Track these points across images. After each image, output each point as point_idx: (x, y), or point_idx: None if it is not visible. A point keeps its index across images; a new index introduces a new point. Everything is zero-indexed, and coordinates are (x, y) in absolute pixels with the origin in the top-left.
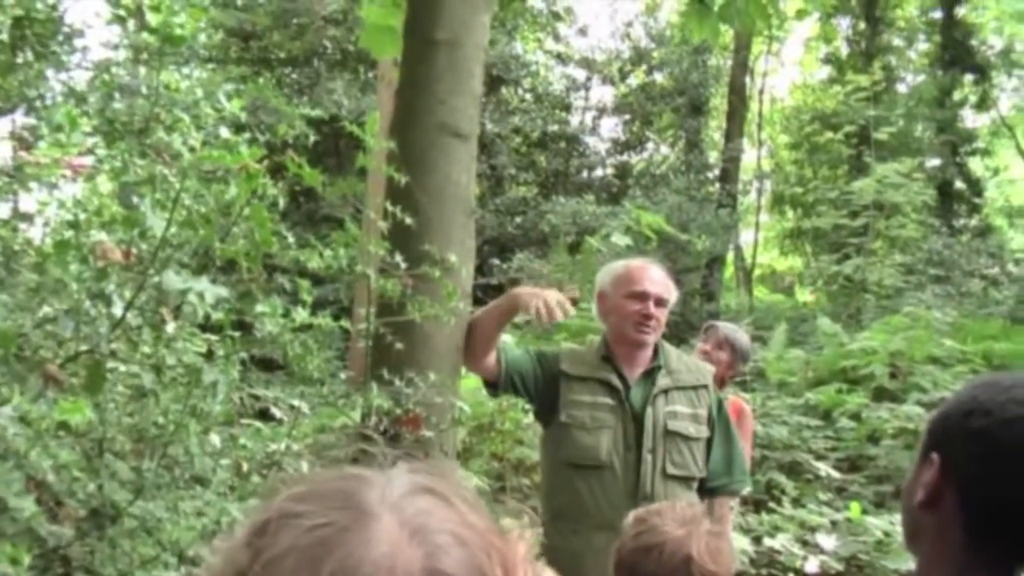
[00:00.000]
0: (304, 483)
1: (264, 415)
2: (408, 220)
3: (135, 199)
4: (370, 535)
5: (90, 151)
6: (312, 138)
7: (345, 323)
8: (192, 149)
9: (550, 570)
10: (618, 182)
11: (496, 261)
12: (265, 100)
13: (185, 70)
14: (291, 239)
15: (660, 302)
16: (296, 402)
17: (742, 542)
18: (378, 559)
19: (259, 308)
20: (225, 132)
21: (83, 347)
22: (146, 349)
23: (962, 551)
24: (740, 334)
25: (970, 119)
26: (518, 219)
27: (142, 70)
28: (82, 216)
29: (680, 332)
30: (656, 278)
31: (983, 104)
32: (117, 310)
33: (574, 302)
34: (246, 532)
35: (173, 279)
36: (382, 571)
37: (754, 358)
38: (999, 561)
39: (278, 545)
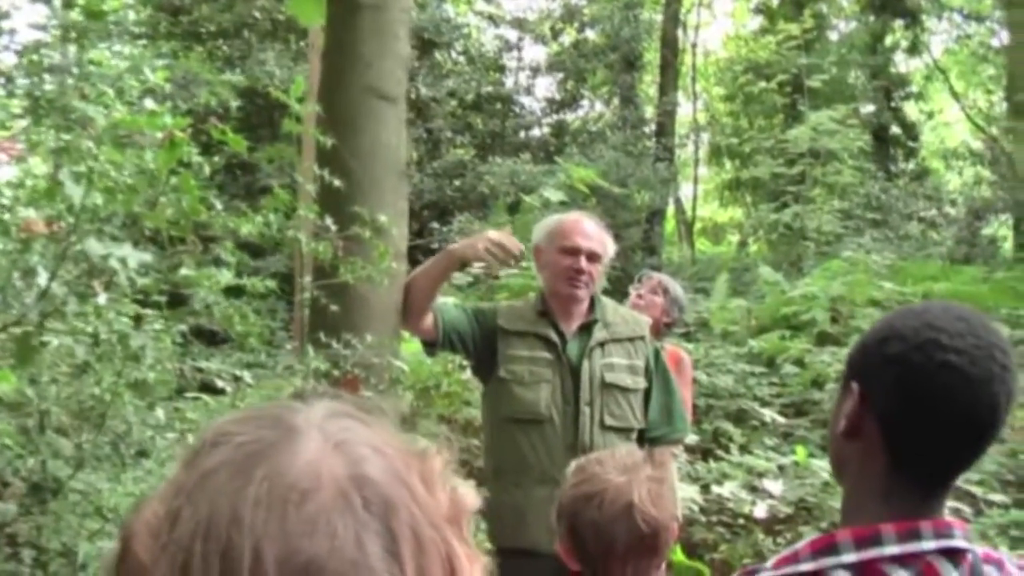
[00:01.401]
0: (236, 413)
1: (210, 389)
2: (337, 183)
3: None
4: (297, 447)
5: (23, 133)
6: (238, 106)
7: (270, 283)
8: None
9: (468, 485)
10: (555, 141)
11: (436, 225)
12: (197, 74)
13: (115, 47)
14: (219, 206)
15: (593, 256)
16: (239, 372)
17: (691, 491)
18: (305, 466)
19: (183, 271)
20: (151, 104)
21: (11, 320)
22: (77, 322)
23: (885, 477)
24: (674, 282)
25: (903, 64)
26: (456, 182)
27: (71, 49)
28: (8, 195)
29: (623, 287)
30: (590, 232)
31: (915, 49)
32: (42, 281)
33: (517, 260)
34: (184, 455)
35: (94, 245)
36: (309, 476)
37: (697, 308)
38: (920, 484)
39: (212, 460)
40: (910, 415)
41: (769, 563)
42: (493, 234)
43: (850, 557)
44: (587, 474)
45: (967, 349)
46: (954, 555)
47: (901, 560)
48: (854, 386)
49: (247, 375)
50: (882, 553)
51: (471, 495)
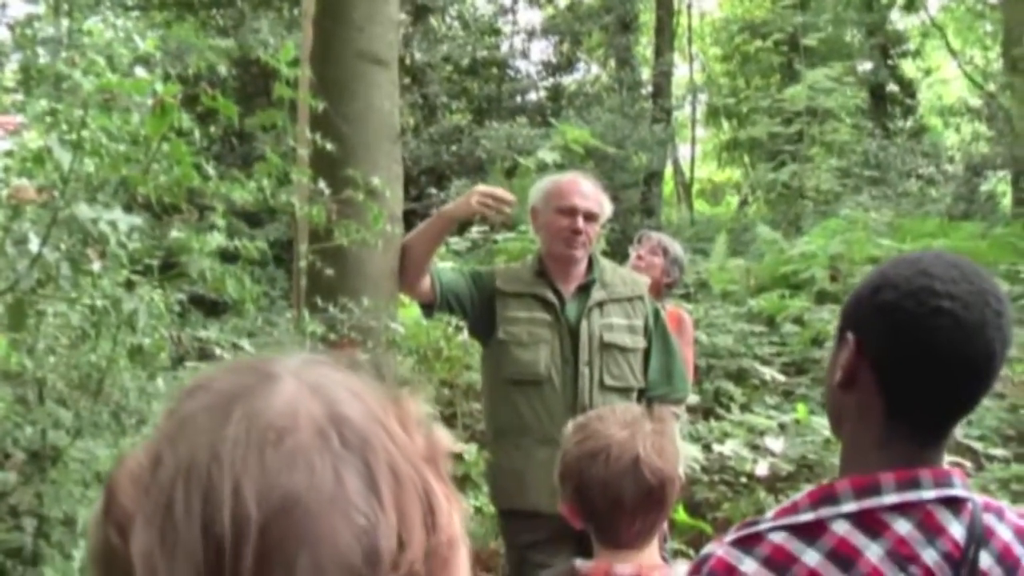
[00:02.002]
0: (215, 366)
1: (210, 358)
2: (330, 147)
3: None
4: (274, 389)
5: (18, 107)
6: (233, 75)
7: (261, 245)
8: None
9: (445, 429)
10: (551, 104)
11: (433, 190)
12: (190, 46)
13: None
14: (212, 171)
15: (590, 216)
16: (238, 340)
17: (692, 450)
18: (282, 406)
19: (174, 233)
20: (142, 72)
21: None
22: (72, 290)
23: (881, 426)
24: (673, 242)
25: (899, 21)
26: (453, 147)
27: (64, 22)
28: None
29: (622, 248)
30: (586, 192)
31: (912, 5)
32: (34, 247)
33: (511, 207)
34: (168, 405)
35: (84, 209)
36: (287, 416)
37: (696, 269)
38: (917, 432)
39: (191, 406)
40: (904, 362)
41: (769, 514)
42: (483, 188)
43: (850, 506)
44: (589, 431)
45: (960, 295)
46: (954, 504)
47: (901, 509)
48: (849, 336)
49: (246, 343)
50: (882, 502)
51: (447, 436)
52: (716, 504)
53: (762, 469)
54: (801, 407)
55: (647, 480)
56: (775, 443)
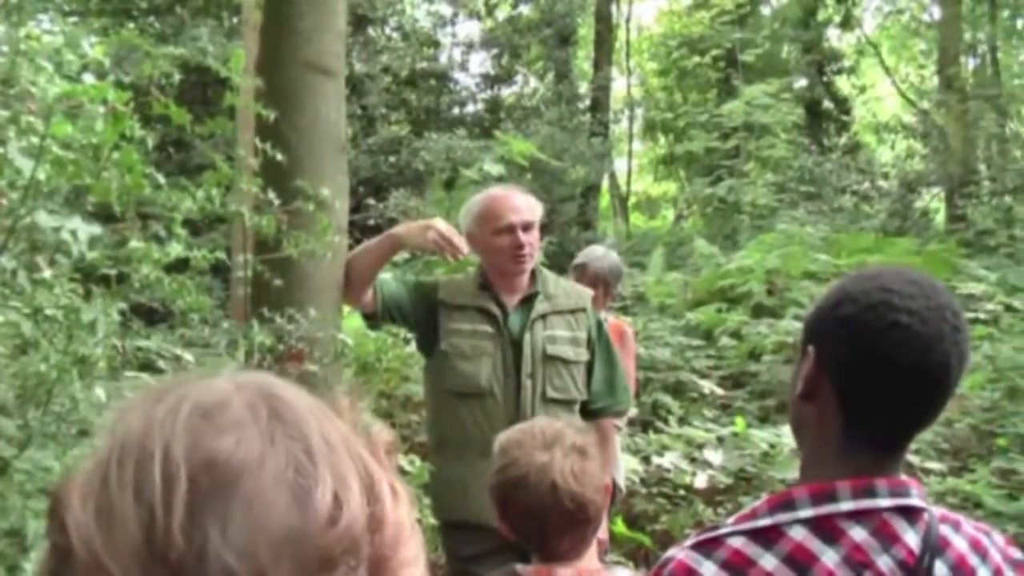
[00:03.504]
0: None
1: (149, 368)
2: (279, 156)
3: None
4: (209, 383)
5: None
6: (178, 78)
7: (221, 254)
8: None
9: (382, 425)
10: (490, 116)
11: (372, 201)
12: (129, 51)
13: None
14: (162, 180)
15: (528, 227)
16: (179, 351)
17: (632, 462)
18: (216, 391)
19: (133, 243)
20: (90, 78)
21: None
22: (20, 299)
23: (841, 437)
24: (607, 260)
25: (835, 38)
26: (391, 158)
27: (1, 28)
28: None
29: (560, 261)
30: (518, 205)
31: (847, 23)
32: None
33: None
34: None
35: (45, 218)
36: (220, 396)
37: (634, 282)
38: (875, 443)
39: (130, 407)
40: (863, 375)
41: (730, 520)
42: (442, 226)
43: (806, 512)
44: (509, 457)
45: (918, 309)
46: (910, 513)
47: (857, 516)
48: (810, 349)
49: (188, 355)
50: (838, 509)
51: (386, 432)
52: (655, 516)
53: (701, 481)
54: (740, 420)
55: (566, 505)
56: (713, 456)
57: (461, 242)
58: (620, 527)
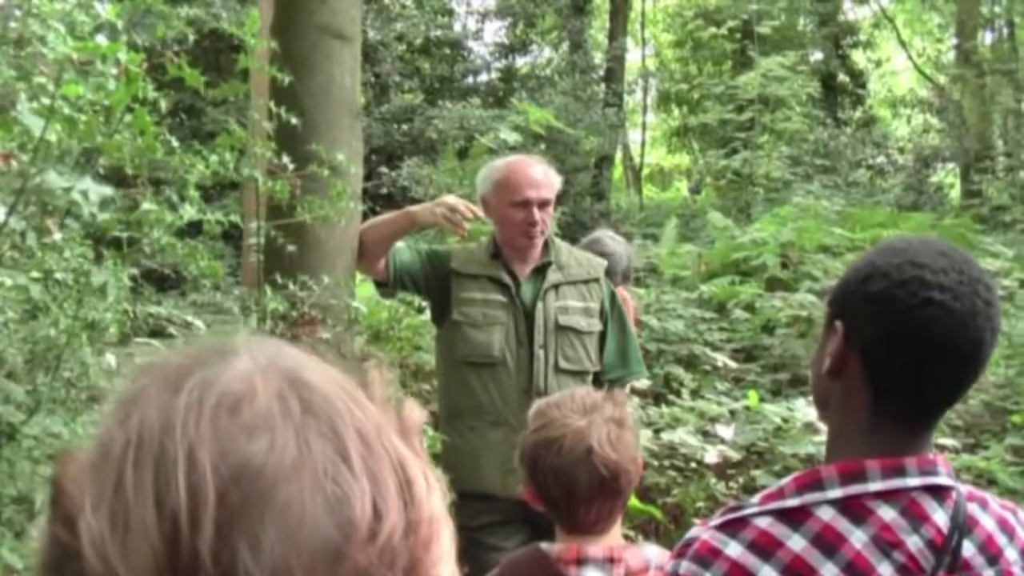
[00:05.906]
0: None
1: (160, 335)
2: (294, 121)
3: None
4: (229, 362)
5: None
6: (192, 40)
7: (235, 217)
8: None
9: (413, 402)
10: (503, 86)
11: (384, 170)
12: (143, 15)
13: None
14: (175, 143)
15: (544, 204)
16: (190, 317)
17: (643, 435)
18: (238, 375)
19: (145, 206)
20: (103, 40)
21: None
22: (31, 262)
23: (869, 414)
24: (616, 240)
25: (852, 11)
26: (404, 127)
27: None
28: None
29: (572, 232)
30: (538, 180)
31: None
32: (0, 215)
33: (470, 222)
34: (127, 380)
35: (55, 179)
36: (243, 383)
37: (646, 254)
38: (904, 421)
39: (142, 382)
40: (894, 352)
41: (755, 499)
42: (451, 201)
43: (835, 493)
44: (546, 419)
45: (951, 285)
46: (938, 492)
47: (886, 496)
48: (837, 325)
49: (199, 321)
50: (867, 489)
51: (417, 410)
52: (666, 489)
53: (712, 456)
54: (752, 394)
55: (599, 471)
56: (725, 430)
57: (467, 209)
58: (632, 500)
